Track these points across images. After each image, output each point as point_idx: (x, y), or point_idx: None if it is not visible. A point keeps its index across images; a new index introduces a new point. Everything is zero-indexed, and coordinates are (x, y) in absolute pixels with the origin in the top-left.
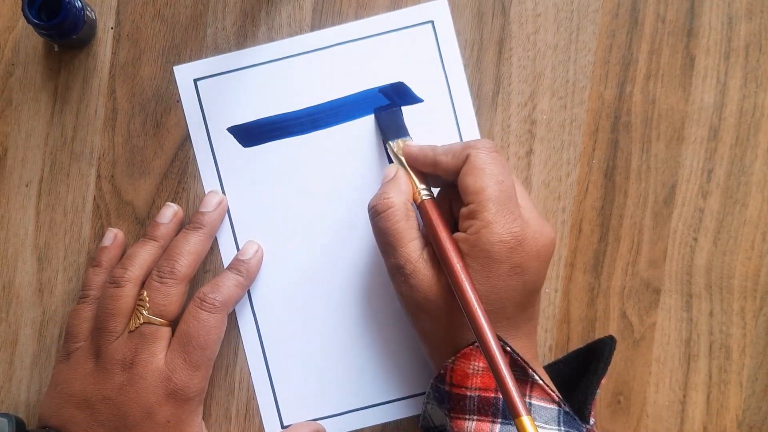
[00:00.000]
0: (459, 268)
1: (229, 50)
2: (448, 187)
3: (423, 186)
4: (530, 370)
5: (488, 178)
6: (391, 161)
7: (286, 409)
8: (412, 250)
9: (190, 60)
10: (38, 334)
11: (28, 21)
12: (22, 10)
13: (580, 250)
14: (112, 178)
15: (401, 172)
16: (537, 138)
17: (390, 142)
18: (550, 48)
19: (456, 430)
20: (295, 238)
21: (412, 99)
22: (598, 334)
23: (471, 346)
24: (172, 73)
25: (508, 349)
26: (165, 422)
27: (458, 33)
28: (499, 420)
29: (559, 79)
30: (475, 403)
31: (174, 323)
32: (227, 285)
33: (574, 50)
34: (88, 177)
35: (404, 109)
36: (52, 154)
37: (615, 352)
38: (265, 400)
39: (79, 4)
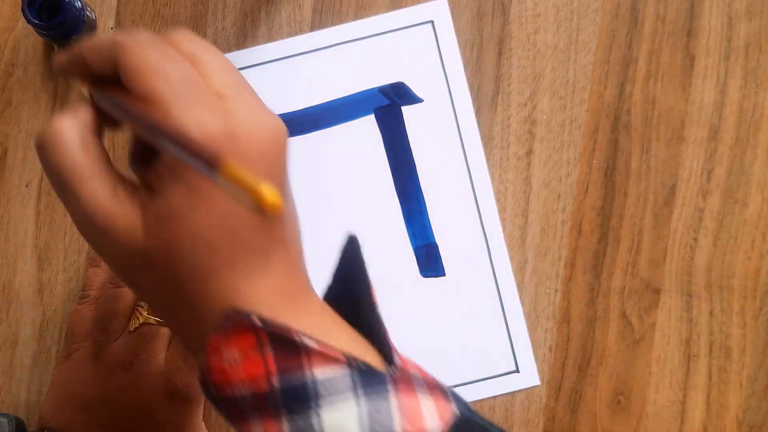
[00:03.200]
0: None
1: (229, 50)
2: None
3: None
4: (297, 337)
5: (151, 76)
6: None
7: None
8: (101, 188)
9: None
10: (38, 335)
11: (28, 21)
12: (22, 10)
13: (579, 250)
14: None
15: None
16: (537, 138)
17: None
18: (549, 48)
19: None
20: None
21: (411, 99)
22: (598, 335)
23: (215, 333)
24: None
25: (258, 324)
26: (165, 423)
27: (458, 33)
28: (284, 415)
29: (558, 79)
30: (249, 404)
31: None
32: None
33: (574, 50)
34: None
35: (404, 109)
36: None
37: (616, 352)
38: None
39: (79, 4)
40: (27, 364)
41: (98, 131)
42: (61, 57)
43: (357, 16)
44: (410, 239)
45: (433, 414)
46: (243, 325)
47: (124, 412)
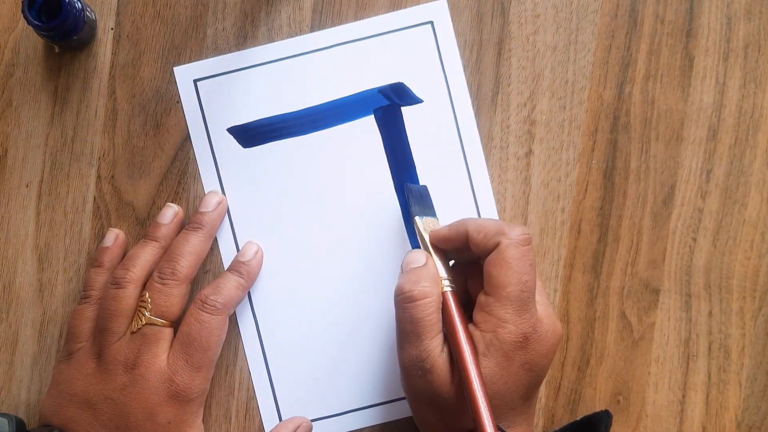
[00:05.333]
0: (471, 367)
1: (229, 51)
2: (466, 264)
3: (447, 276)
4: None
5: (513, 276)
6: (414, 237)
7: (286, 409)
8: (436, 345)
9: (190, 61)
10: (38, 335)
11: (29, 22)
12: (23, 11)
13: (579, 250)
14: (112, 179)
15: (432, 262)
16: (536, 138)
17: (417, 218)
18: (549, 49)
19: None
20: (294, 239)
21: (411, 99)
22: (598, 335)
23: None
24: (172, 73)
25: None
26: (166, 423)
27: (458, 34)
28: None
29: (558, 80)
30: None
31: (176, 324)
32: (228, 287)
33: (574, 51)
34: (89, 177)
35: (404, 109)
36: (52, 154)
37: (615, 352)
38: (265, 400)
39: (79, 5)
40: (27, 364)
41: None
42: (444, 232)
43: (357, 17)
44: (410, 239)
45: None
46: None
47: (125, 411)
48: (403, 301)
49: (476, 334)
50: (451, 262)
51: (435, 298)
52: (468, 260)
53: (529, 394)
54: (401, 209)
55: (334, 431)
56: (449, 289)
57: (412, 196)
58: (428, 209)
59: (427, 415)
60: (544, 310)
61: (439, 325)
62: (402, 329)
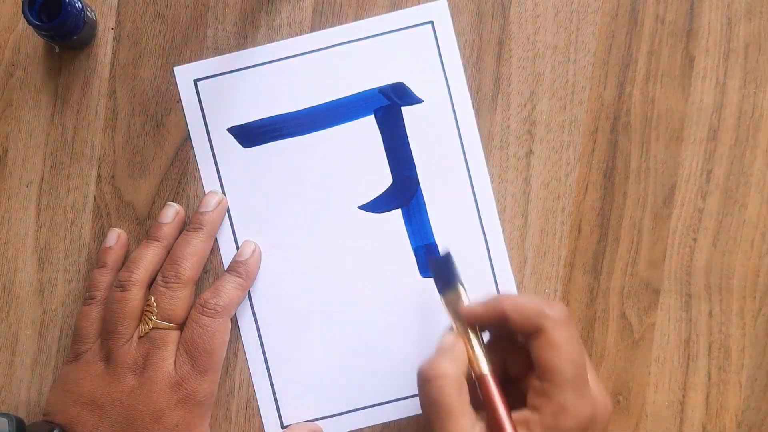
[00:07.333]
0: None
1: (230, 51)
2: (503, 340)
3: (482, 357)
4: None
5: (566, 359)
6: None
7: (286, 409)
8: (465, 427)
9: (190, 60)
10: (38, 335)
11: (29, 22)
12: (23, 11)
13: (579, 250)
14: (112, 179)
15: (461, 342)
16: (536, 138)
17: (441, 297)
18: (549, 49)
19: None
20: (294, 239)
21: (411, 99)
22: (598, 335)
23: None
24: (172, 73)
25: None
26: (173, 426)
27: (458, 33)
28: None
29: (558, 80)
30: None
31: (182, 326)
32: (227, 288)
33: (574, 51)
34: (89, 177)
35: (404, 109)
36: (52, 154)
37: (615, 352)
38: (265, 401)
39: (80, 5)
40: (27, 364)
41: (466, 373)
42: (478, 311)
43: (357, 17)
44: (410, 239)
45: None
46: None
47: (133, 414)
48: (421, 383)
49: (533, 418)
50: (486, 335)
51: (452, 378)
52: (505, 334)
53: None
54: (401, 209)
55: (335, 431)
56: (486, 371)
57: (433, 271)
58: (451, 280)
59: None
60: (595, 386)
61: (465, 407)
62: (424, 413)
